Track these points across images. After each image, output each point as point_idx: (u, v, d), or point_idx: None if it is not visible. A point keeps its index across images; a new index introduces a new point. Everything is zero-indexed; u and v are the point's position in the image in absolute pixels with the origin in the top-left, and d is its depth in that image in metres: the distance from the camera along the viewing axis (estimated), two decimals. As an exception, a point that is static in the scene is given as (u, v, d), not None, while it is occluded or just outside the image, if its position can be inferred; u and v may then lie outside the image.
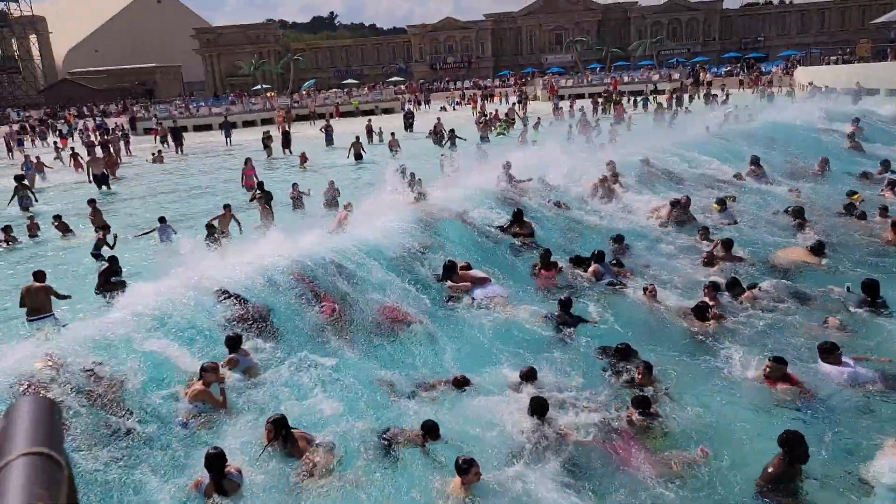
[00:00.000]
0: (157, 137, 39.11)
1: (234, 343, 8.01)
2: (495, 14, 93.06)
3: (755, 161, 18.92)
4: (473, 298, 10.40)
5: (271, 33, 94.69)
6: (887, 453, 6.23)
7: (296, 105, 56.28)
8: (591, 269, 11.46)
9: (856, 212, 14.35)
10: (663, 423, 7.05)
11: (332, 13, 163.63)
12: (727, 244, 12.22)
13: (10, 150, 39.08)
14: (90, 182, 24.69)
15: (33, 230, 16.98)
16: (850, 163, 20.81)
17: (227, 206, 15.51)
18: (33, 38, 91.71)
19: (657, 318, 9.87)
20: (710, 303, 9.75)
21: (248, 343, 8.33)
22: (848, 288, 10.04)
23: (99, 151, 28.34)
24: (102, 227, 15.07)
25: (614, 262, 11.79)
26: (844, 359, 7.86)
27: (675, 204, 14.66)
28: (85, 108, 69.62)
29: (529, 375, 7.86)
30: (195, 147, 38.10)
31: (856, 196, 15.50)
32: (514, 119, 37.69)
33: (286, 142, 32.32)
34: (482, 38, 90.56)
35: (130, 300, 8.63)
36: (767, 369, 7.65)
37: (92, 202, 17.72)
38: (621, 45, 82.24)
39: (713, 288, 10.10)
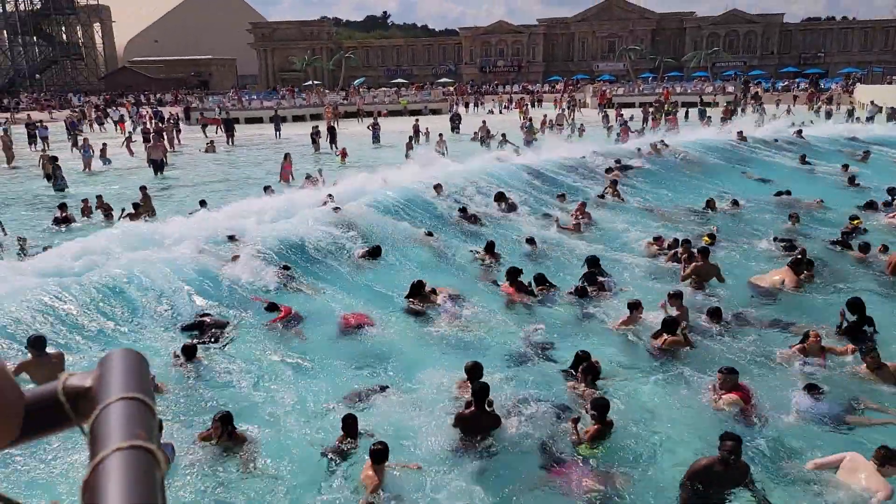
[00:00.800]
0: (215, 127, 40.29)
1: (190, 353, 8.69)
2: (548, 19, 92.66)
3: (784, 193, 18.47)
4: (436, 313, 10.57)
5: (325, 30, 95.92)
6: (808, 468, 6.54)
7: (344, 102, 56.92)
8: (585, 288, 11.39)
9: (857, 241, 13.62)
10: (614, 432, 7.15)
11: (385, 12, 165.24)
12: (704, 252, 12.07)
13: (70, 133, 40.35)
14: (149, 166, 25.75)
15: (87, 212, 17.53)
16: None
17: (143, 188, 18.30)
18: (97, 26, 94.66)
19: (634, 336, 9.84)
20: (676, 312, 9.61)
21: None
22: (842, 312, 9.68)
23: (156, 138, 29.42)
24: (146, 211, 15.82)
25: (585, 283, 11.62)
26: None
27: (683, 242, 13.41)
28: (142, 97, 71.62)
29: (474, 371, 7.78)
30: (245, 139, 38.83)
31: (856, 221, 14.85)
32: (537, 128, 36.94)
33: (332, 138, 32.79)
34: (534, 42, 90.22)
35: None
36: (720, 379, 7.71)
37: (143, 189, 18.27)
38: (675, 56, 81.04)
39: (677, 297, 9.97)
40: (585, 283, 11.35)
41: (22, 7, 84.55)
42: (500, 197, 16.65)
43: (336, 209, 14.51)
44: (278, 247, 12.69)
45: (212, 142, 34.25)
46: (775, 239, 14.22)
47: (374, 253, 12.95)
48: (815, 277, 11.82)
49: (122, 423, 0.75)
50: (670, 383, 8.39)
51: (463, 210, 15.78)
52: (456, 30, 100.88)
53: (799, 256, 12.00)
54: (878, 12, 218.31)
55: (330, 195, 15.52)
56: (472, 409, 7.03)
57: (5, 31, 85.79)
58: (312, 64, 74.53)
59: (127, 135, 33.75)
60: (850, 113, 42.31)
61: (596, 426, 6.99)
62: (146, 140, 29.67)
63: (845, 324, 9.46)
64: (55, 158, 23.36)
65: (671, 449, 7.10)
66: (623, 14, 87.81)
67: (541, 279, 11.54)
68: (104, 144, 28.96)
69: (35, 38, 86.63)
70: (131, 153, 29.75)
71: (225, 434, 6.89)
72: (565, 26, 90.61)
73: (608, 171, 20.68)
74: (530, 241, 13.97)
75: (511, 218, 16.22)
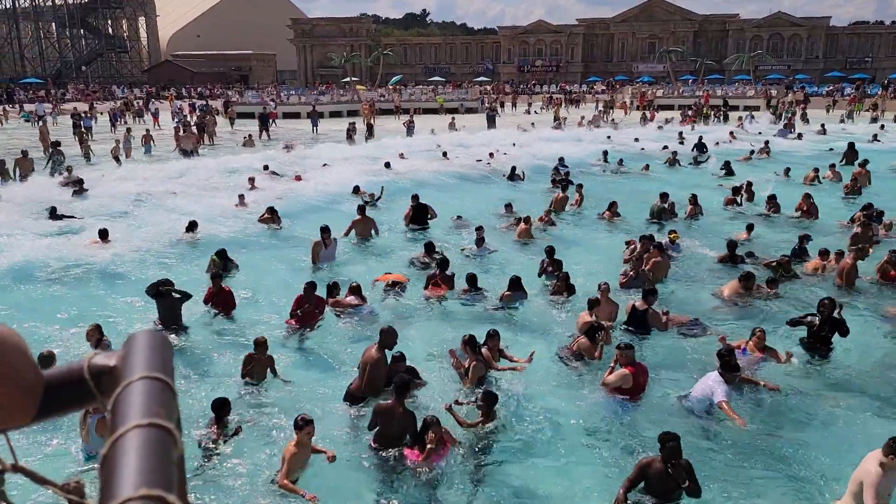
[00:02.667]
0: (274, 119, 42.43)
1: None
2: (588, 19, 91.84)
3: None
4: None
5: (364, 27, 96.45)
6: None
7: (381, 99, 57.12)
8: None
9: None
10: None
11: (424, 10, 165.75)
12: (659, 247, 12.48)
13: (113, 124, 41.32)
14: (181, 155, 27.84)
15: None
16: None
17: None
18: (142, 20, 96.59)
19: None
20: (600, 322, 9.45)
21: None
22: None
23: (193, 129, 30.51)
24: None
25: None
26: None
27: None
28: (184, 90, 72.89)
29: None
30: (281, 133, 39.22)
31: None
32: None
33: (370, 134, 33.07)
34: (573, 42, 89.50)
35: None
36: (618, 355, 8.00)
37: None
38: (717, 58, 79.66)
39: (606, 290, 10.22)
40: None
41: (71, 1, 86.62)
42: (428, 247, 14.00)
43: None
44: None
45: (250, 135, 34.72)
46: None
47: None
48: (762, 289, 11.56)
49: (142, 401, 0.77)
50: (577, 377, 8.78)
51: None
52: (495, 28, 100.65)
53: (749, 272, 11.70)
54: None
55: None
56: (391, 402, 7.07)
57: (54, 24, 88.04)
58: (351, 61, 74.70)
59: (155, 128, 35.26)
60: (874, 119, 41.40)
61: (480, 419, 7.30)
62: (183, 131, 31.48)
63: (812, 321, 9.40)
64: (57, 143, 24.58)
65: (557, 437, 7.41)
66: (665, 15, 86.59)
67: (471, 280, 11.60)
68: (147, 131, 29.99)
69: (82, 30, 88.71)
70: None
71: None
72: (605, 26, 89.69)
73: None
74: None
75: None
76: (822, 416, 7.91)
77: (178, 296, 9.96)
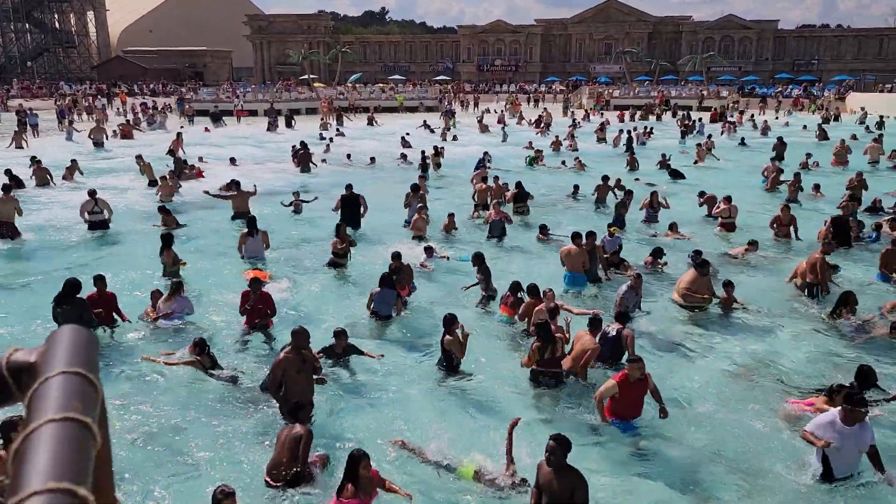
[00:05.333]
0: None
1: None
2: (546, 20, 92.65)
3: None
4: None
5: (322, 24, 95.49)
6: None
7: (341, 97, 56.68)
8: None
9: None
10: None
11: (383, 8, 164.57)
12: (588, 237, 12.18)
13: (59, 121, 40.30)
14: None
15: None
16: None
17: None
18: (90, 14, 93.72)
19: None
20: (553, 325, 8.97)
21: None
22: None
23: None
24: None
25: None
26: None
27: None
28: (135, 87, 71.07)
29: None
30: (234, 131, 38.79)
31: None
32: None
33: (324, 130, 32.95)
34: (531, 42, 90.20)
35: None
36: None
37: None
38: (671, 59, 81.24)
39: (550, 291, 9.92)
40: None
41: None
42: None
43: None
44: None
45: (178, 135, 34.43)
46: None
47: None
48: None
49: (59, 395, 0.75)
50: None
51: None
52: (454, 28, 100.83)
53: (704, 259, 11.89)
54: (874, 21, 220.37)
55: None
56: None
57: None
58: (309, 58, 74.09)
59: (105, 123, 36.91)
60: (826, 120, 43.01)
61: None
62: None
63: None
64: None
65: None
66: (620, 17, 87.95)
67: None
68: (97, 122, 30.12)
69: (27, 25, 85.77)
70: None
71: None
72: (563, 27, 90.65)
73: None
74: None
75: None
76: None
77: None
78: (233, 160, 26.15)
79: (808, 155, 25.61)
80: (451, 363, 8.76)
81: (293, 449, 6.30)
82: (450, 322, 8.68)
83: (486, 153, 26.23)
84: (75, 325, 0.85)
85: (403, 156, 27.77)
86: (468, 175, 22.39)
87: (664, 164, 25.30)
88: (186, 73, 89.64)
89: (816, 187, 20.16)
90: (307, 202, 18.29)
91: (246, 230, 13.47)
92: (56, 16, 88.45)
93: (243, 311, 10.08)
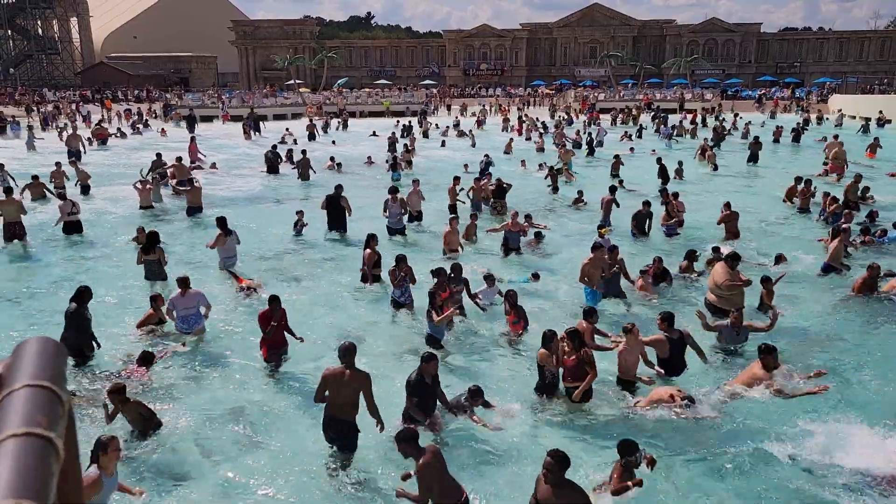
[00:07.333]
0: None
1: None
2: (532, 24, 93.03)
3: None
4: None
5: (308, 29, 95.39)
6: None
7: (328, 102, 56.65)
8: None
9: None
10: None
11: (369, 13, 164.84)
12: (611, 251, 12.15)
13: (44, 128, 40.10)
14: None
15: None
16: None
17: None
18: (74, 20, 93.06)
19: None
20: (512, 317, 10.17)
21: None
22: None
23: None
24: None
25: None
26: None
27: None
28: (119, 93, 70.63)
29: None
30: (220, 134, 38.65)
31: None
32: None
33: (311, 137, 32.96)
34: (517, 46, 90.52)
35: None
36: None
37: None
38: (655, 63, 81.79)
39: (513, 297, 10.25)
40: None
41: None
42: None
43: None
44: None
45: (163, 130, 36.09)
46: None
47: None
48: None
49: (22, 409, 0.73)
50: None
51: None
52: (440, 32, 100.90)
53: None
54: (856, 24, 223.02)
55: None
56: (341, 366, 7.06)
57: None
58: (295, 63, 73.90)
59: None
60: (806, 121, 43.22)
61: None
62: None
63: None
64: None
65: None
66: (605, 20, 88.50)
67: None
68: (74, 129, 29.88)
69: (9, 31, 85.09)
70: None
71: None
72: (548, 31, 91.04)
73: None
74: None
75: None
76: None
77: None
78: (214, 165, 27.45)
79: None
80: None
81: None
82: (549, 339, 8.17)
83: (486, 155, 25.85)
84: (43, 336, 0.83)
85: (369, 158, 28.35)
86: (445, 180, 20.40)
87: (677, 171, 23.51)
88: (171, 78, 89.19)
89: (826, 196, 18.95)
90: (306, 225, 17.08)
91: (220, 231, 12.81)
92: (39, 22, 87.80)
93: (265, 338, 9.03)
